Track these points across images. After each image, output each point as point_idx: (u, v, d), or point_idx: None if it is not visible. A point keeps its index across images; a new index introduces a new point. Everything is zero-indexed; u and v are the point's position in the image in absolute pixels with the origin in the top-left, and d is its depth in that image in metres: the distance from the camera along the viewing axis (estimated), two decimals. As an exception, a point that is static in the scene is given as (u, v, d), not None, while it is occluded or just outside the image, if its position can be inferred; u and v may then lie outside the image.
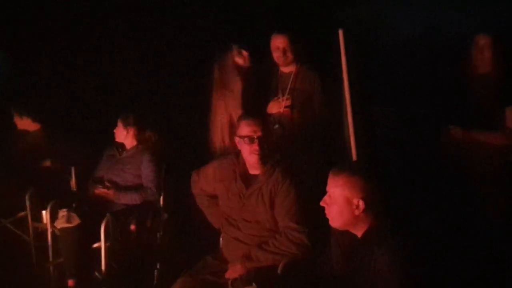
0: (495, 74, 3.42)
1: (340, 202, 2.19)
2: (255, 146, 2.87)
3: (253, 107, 3.67)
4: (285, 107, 3.68)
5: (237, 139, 2.95)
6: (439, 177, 3.42)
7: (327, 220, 2.32)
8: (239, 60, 3.80)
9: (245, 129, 2.90)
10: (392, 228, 2.18)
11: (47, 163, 4.34)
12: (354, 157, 2.93)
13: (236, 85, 3.77)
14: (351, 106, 2.95)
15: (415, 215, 3.18)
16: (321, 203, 2.27)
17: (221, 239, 3.09)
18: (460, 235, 3.22)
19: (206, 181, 3.14)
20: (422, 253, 2.15)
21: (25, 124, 4.50)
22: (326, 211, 2.26)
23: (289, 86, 3.72)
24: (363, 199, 2.16)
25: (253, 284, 2.53)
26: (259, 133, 2.88)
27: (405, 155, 3.67)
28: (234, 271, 2.76)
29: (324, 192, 2.28)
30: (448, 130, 3.40)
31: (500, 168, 3.32)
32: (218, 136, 3.82)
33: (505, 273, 3.00)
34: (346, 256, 2.28)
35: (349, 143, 2.96)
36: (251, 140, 2.87)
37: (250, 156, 2.90)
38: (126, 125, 4.06)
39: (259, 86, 3.82)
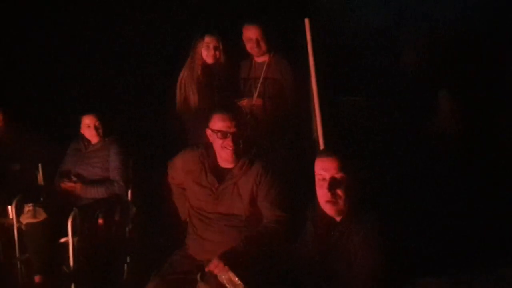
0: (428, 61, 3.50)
1: (344, 183, 2.19)
2: (228, 142, 2.81)
3: (223, 99, 3.67)
4: (258, 97, 3.69)
5: (208, 132, 2.89)
6: (408, 163, 3.47)
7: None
8: (204, 52, 3.80)
9: (218, 123, 2.84)
10: (367, 207, 2.21)
11: (16, 167, 4.23)
12: (322, 146, 2.94)
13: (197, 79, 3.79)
14: (318, 96, 2.96)
15: (388, 198, 3.21)
16: (329, 189, 2.20)
17: (187, 236, 3.03)
18: (432, 214, 3.26)
19: (176, 172, 3.11)
20: (396, 230, 2.18)
21: None
22: (332, 197, 2.20)
23: (262, 76, 3.72)
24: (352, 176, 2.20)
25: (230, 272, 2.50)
26: (233, 129, 2.81)
27: (373, 143, 3.71)
28: (215, 268, 2.60)
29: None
30: None
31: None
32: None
33: (477, 250, 3.05)
34: (322, 237, 2.29)
35: (317, 132, 2.97)
36: (224, 135, 2.81)
37: (223, 150, 2.85)
38: (91, 119, 3.99)
39: (229, 77, 3.82)
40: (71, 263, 3.60)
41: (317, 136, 2.95)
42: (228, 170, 2.90)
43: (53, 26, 4.89)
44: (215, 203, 2.88)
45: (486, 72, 3.60)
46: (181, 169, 3.04)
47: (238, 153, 2.85)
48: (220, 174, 2.91)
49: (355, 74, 4.22)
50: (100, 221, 3.75)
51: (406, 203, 3.23)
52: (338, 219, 2.24)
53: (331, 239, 2.24)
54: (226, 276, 2.49)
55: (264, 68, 3.73)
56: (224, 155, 2.87)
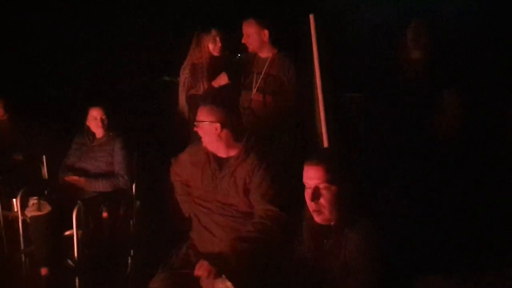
0: (428, 58, 3.50)
1: (328, 193, 2.16)
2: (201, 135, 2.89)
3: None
4: (257, 92, 3.69)
5: None
6: (408, 161, 3.47)
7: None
8: (210, 46, 3.95)
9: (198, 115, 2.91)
10: (362, 211, 2.18)
11: (19, 157, 4.26)
12: (326, 143, 2.94)
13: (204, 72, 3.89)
14: (322, 92, 2.95)
15: (386, 198, 3.21)
16: (311, 199, 2.18)
17: (192, 229, 3.04)
18: (429, 217, 3.27)
19: (181, 167, 3.12)
20: (391, 235, 2.17)
21: None
22: (315, 207, 2.18)
23: (263, 71, 3.72)
24: (339, 185, 2.16)
25: (223, 276, 2.51)
26: (203, 119, 2.86)
27: (376, 141, 3.71)
28: (201, 270, 2.61)
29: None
30: None
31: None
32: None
33: (470, 254, 3.05)
34: (317, 240, 2.26)
35: (320, 129, 2.97)
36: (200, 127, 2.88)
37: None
38: (97, 113, 4.00)
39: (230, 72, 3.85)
40: (76, 256, 3.63)
41: (321, 133, 2.95)
42: (228, 159, 2.93)
43: (59, 19, 4.91)
44: (215, 192, 2.90)
45: (492, 69, 3.58)
46: (187, 161, 3.07)
47: (210, 144, 2.89)
48: (222, 163, 2.94)
49: (356, 71, 4.22)
50: (105, 214, 3.79)
51: (411, 201, 3.24)
52: (331, 223, 2.22)
53: (325, 245, 2.22)
54: (223, 285, 2.50)
55: (267, 64, 3.72)
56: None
